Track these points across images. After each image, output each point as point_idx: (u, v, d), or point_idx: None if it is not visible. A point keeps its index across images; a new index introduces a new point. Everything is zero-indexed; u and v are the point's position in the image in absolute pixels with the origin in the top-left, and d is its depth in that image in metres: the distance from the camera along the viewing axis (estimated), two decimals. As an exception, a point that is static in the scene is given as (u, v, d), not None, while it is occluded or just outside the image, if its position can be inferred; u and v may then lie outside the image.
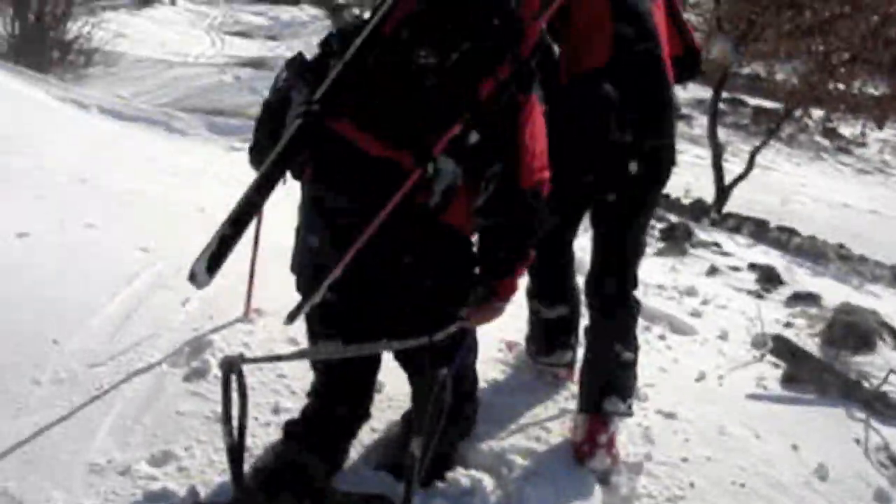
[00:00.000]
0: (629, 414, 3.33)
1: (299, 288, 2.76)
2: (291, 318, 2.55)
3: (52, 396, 3.04)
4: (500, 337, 3.95)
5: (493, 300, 2.68)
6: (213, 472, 2.79)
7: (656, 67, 3.24)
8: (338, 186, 2.59)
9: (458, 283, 2.69)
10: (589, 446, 3.20)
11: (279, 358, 3.02)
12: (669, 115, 3.30)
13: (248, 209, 2.61)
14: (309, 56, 2.70)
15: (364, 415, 2.98)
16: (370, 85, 2.54)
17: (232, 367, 2.42)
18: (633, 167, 3.19)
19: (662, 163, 3.32)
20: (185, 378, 3.27)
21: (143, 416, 3.03)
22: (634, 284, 3.42)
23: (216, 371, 3.23)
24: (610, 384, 3.27)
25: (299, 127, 2.52)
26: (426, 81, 2.51)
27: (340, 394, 2.89)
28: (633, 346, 3.36)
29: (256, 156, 2.73)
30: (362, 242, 2.45)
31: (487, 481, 2.97)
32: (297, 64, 2.70)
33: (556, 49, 2.70)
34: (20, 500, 2.58)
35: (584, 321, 3.52)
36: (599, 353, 3.34)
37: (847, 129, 15.28)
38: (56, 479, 2.67)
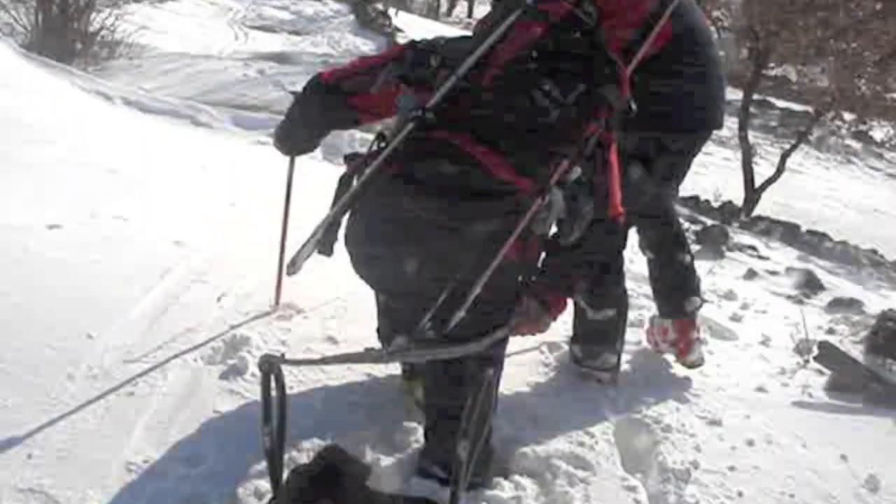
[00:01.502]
0: (704, 302, 3.97)
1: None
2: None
3: (87, 392, 2.96)
4: (542, 339, 3.87)
5: (544, 315, 2.76)
6: (250, 473, 2.70)
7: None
8: (446, 198, 2.57)
9: (508, 299, 2.70)
10: (685, 344, 3.84)
11: (322, 361, 2.91)
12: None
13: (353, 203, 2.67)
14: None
15: None
16: (489, 105, 2.66)
17: (272, 367, 2.35)
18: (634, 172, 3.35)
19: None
20: (221, 376, 3.20)
21: (179, 414, 2.95)
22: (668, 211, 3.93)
23: (253, 369, 3.16)
24: (683, 287, 3.84)
25: (411, 131, 2.62)
26: (550, 114, 2.62)
27: None
28: (689, 249, 3.90)
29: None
30: (492, 268, 2.45)
31: (531, 487, 2.89)
32: (407, 62, 2.86)
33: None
34: (55, 497, 2.50)
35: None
36: (665, 263, 3.85)
37: (878, 133, 15.16)
38: (91, 478, 2.59)
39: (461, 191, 2.57)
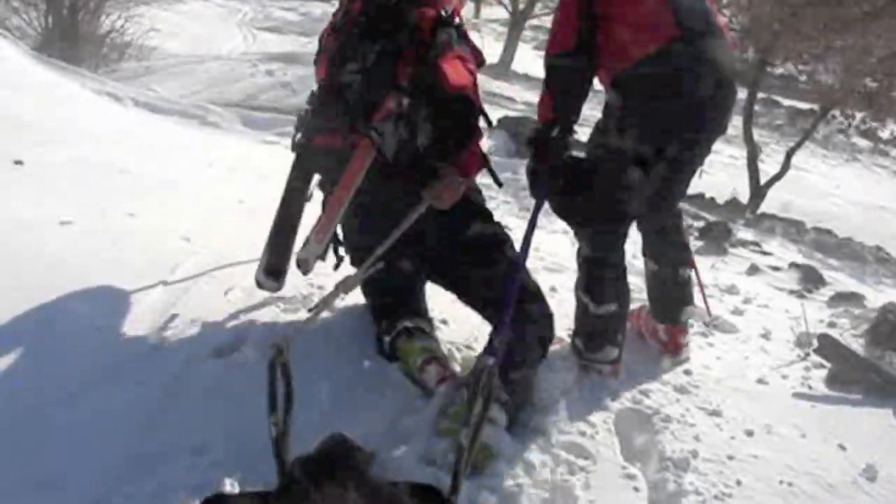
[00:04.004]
0: (696, 309, 4.18)
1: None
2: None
3: (97, 384, 3.02)
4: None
5: (443, 177, 3.42)
6: (256, 461, 2.74)
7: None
8: (332, 175, 3.50)
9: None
10: (674, 346, 4.00)
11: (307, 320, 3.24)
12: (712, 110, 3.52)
13: (288, 219, 3.59)
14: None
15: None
16: (326, 104, 3.54)
17: (278, 356, 2.45)
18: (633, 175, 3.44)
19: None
20: (227, 368, 3.25)
21: (185, 405, 3.01)
22: (679, 215, 4.05)
23: (257, 361, 3.22)
24: (681, 299, 3.98)
25: (297, 156, 3.65)
26: (353, 84, 3.46)
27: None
28: (690, 263, 4.03)
29: None
30: (346, 201, 3.35)
31: (532, 476, 2.93)
32: (298, 121, 3.68)
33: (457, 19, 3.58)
34: (63, 486, 2.55)
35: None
36: (668, 276, 3.96)
37: (885, 132, 15.19)
38: (100, 468, 2.64)
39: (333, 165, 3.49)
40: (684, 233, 4.12)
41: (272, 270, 3.56)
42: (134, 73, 14.21)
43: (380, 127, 3.32)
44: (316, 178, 3.70)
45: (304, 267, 3.43)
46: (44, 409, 2.84)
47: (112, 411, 2.90)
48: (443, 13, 3.53)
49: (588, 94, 3.53)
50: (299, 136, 3.63)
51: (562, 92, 3.49)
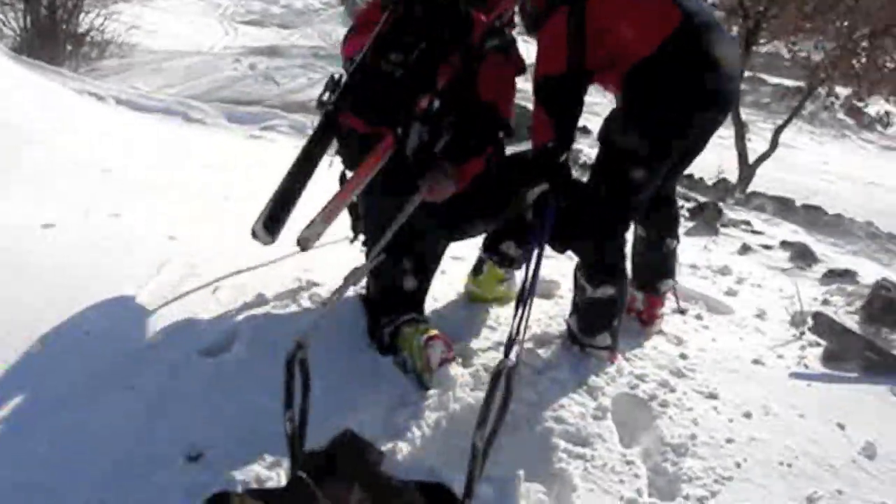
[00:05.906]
0: (676, 283, 4.23)
1: None
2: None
3: (86, 388, 2.98)
4: (538, 317, 3.93)
5: (442, 178, 3.47)
6: (250, 462, 2.71)
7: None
8: (350, 156, 3.67)
9: None
10: (648, 316, 4.05)
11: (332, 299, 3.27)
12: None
13: (294, 182, 3.53)
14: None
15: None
16: (362, 85, 3.54)
17: (300, 348, 2.47)
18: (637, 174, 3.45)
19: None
20: (217, 368, 3.22)
21: (178, 407, 2.97)
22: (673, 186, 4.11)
23: (249, 360, 3.22)
24: (662, 269, 4.05)
25: (321, 120, 3.64)
26: (395, 75, 3.50)
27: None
28: (677, 236, 4.07)
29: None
30: (358, 190, 3.50)
31: (530, 465, 2.90)
32: (330, 81, 3.66)
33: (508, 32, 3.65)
34: (56, 492, 2.52)
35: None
36: (654, 243, 4.00)
37: (872, 108, 15.22)
38: (93, 472, 2.61)
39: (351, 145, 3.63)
40: (676, 204, 4.13)
41: (269, 224, 3.49)
42: (115, 70, 14.16)
43: (406, 127, 3.48)
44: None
45: (305, 245, 3.40)
46: (34, 416, 2.82)
47: (104, 416, 2.87)
48: (496, 23, 3.61)
49: (582, 111, 3.52)
50: (328, 98, 3.60)
51: (560, 113, 3.46)
